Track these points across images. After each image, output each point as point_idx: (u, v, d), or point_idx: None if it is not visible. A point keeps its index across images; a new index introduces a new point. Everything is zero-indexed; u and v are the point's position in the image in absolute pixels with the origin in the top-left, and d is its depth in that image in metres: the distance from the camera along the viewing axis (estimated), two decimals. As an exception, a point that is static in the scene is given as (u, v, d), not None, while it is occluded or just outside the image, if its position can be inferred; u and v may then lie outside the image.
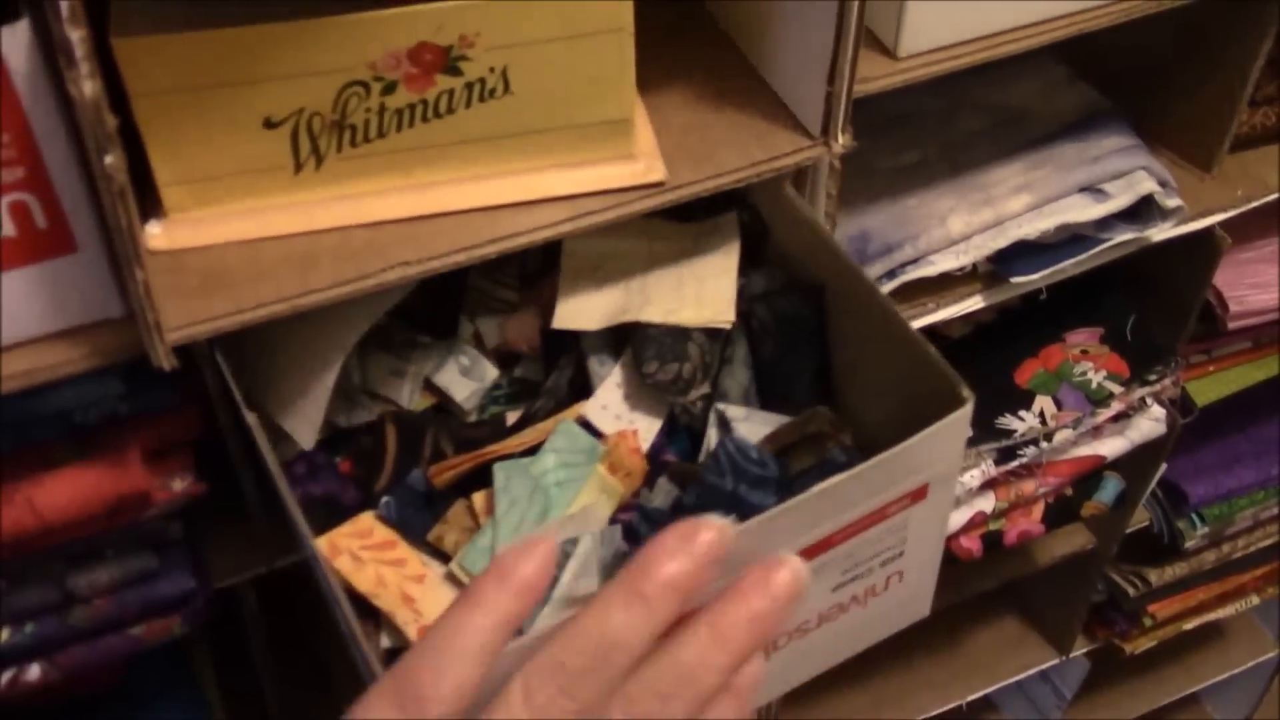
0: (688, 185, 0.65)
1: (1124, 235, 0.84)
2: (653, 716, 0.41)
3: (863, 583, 0.62)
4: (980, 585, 1.10)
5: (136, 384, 0.63)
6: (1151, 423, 0.97)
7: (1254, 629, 1.43)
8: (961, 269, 0.82)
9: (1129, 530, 1.14)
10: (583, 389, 0.71)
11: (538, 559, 0.41)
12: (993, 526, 0.96)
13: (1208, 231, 0.90)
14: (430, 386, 0.73)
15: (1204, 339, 1.01)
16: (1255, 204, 0.90)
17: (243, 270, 0.60)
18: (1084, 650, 1.29)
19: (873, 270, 0.80)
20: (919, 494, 0.59)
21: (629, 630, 0.40)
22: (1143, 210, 0.85)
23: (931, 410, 0.57)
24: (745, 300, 0.71)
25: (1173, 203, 0.84)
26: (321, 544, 0.63)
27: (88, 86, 0.47)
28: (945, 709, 1.25)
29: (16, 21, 0.48)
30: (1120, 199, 0.83)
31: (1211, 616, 1.28)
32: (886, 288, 0.80)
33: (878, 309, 0.65)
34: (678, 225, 0.73)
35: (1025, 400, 0.92)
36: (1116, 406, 0.93)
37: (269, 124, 0.59)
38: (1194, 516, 1.14)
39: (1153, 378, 0.93)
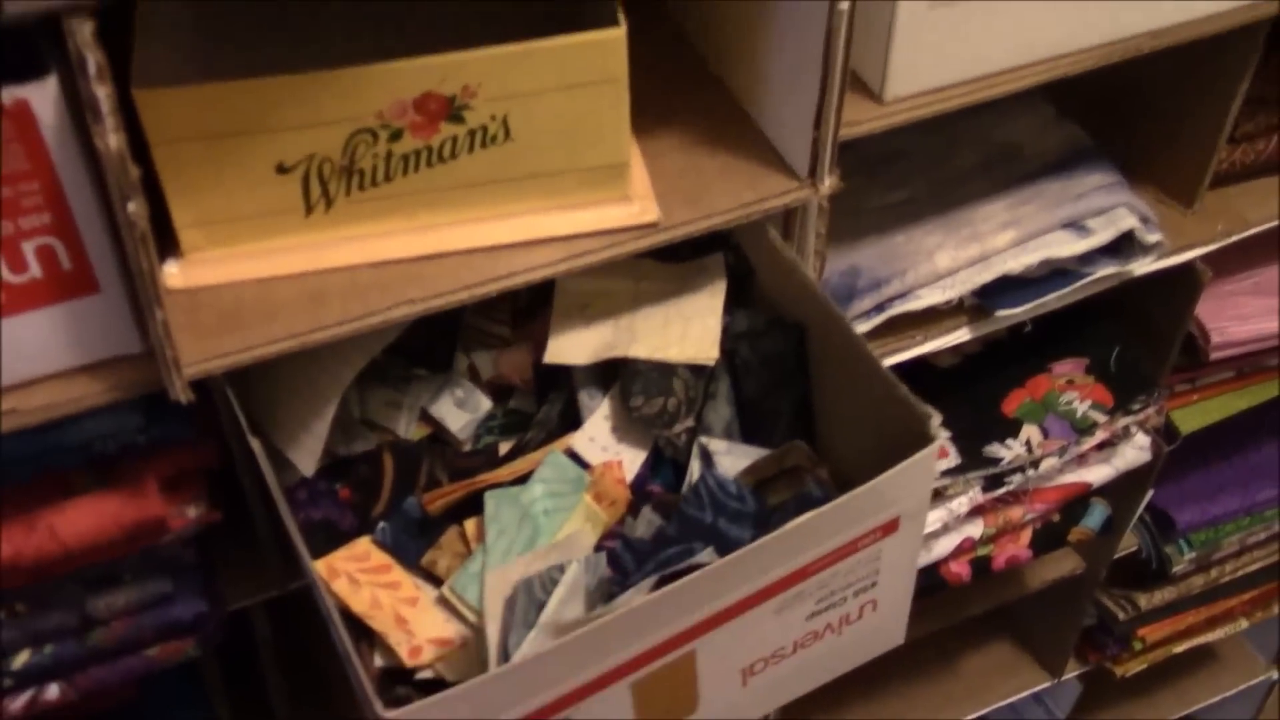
0: (681, 226, 0.67)
1: (1106, 270, 0.87)
2: None
3: (837, 611, 0.65)
4: (971, 610, 1.12)
5: (154, 416, 0.65)
6: (1136, 450, 0.99)
7: (1245, 653, 1.45)
8: (948, 303, 0.84)
9: (1118, 555, 1.16)
10: (573, 421, 0.74)
11: None
12: (981, 552, 0.99)
13: (1189, 265, 0.93)
14: (426, 417, 0.75)
15: (1188, 369, 1.03)
16: (1235, 238, 0.93)
17: (256, 308, 0.63)
18: (1075, 673, 1.31)
19: (862, 304, 0.83)
20: (890, 527, 0.62)
21: None
22: (1124, 245, 0.87)
23: (903, 446, 0.60)
24: (730, 339, 0.74)
25: (1153, 238, 0.87)
26: (320, 566, 0.66)
27: (113, 140, 0.50)
28: (939, 731, 1.27)
29: (45, 78, 0.51)
30: (1102, 235, 0.85)
31: (1201, 640, 1.30)
32: (875, 321, 0.83)
33: (854, 349, 0.68)
34: (665, 265, 0.76)
35: (1012, 429, 0.95)
36: (1101, 435, 0.95)
37: (282, 169, 0.62)
38: (1181, 542, 1.16)
39: (1136, 407, 0.96)
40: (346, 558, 0.68)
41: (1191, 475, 1.16)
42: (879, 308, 0.83)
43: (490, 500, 0.68)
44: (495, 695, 0.54)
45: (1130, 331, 0.99)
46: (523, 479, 0.70)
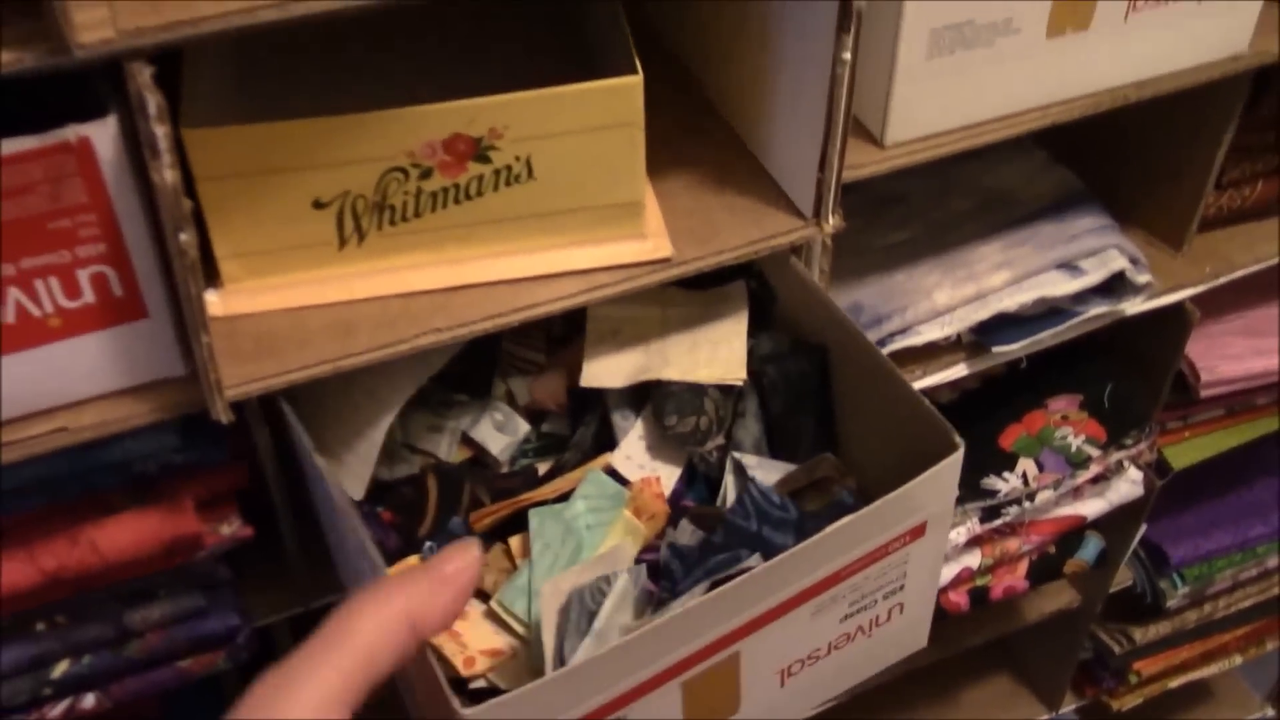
0: (692, 261, 0.71)
1: (1098, 309, 0.91)
2: None
3: (868, 614, 0.68)
4: (969, 641, 1.15)
5: (190, 439, 0.69)
6: (1129, 485, 1.03)
7: (1240, 689, 1.47)
8: (946, 339, 0.88)
9: (1114, 589, 1.19)
10: (607, 442, 0.77)
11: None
12: (979, 582, 1.02)
13: (1178, 305, 0.96)
14: (466, 441, 0.78)
15: (1179, 407, 1.06)
16: (1222, 280, 0.97)
17: (291, 335, 0.66)
18: (1073, 707, 1.33)
19: (864, 339, 0.87)
20: (918, 531, 0.66)
21: None
22: (1115, 285, 0.91)
23: (926, 457, 0.63)
24: (756, 361, 0.77)
25: (1143, 278, 0.91)
26: None
27: (169, 175, 0.54)
28: (940, 763, 1.30)
29: (106, 118, 0.55)
30: (1094, 275, 0.89)
31: (1196, 675, 1.32)
32: (877, 355, 0.87)
33: (876, 367, 0.71)
34: (691, 293, 0.80)
35: (1009, 462, 0.98)
36: (1095, 469, 0.98)
37: (318, 205, 0.66)
38: (1175, 577, 1.19)
39: (1129, 442, 0.99)
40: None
41: (1185, 511, 1.19)
42: (880, 343, 0.87)
43: (535, 517, 0.71)
44: (559, 696, 0.56)
45: (1123, 369, 1.02)
46: (563, 497, 0.73)
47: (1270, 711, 1.46)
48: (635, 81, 0.65)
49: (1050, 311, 0.90)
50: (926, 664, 1.07)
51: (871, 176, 0.76)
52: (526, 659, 0.68)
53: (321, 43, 0.77)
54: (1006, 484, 0.97)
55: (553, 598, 0.65)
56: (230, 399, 0.63)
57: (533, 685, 0.54)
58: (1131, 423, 0.99)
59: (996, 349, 0.88)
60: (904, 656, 0.74)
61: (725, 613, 0.60)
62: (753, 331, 0.78)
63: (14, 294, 0.58)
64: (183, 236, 0.56)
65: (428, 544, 0.72)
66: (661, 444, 0.77)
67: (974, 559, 0.99)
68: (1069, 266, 0.89)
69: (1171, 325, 0.98)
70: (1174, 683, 1.31)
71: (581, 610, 0.65)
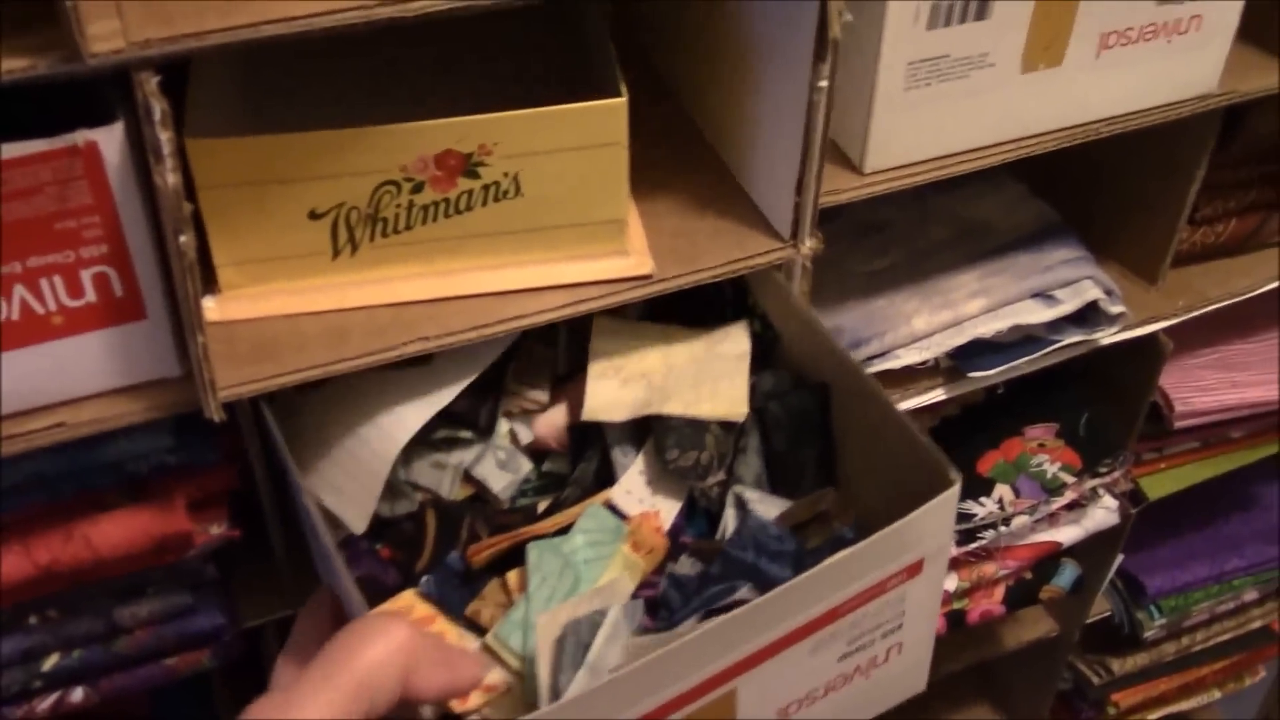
0: (673, 279, 0.74)
1: (1073, 338, 0.93)
2: None
3: (866, 653, 0.67)
4: (948, 667, 1.16)
5: (183, 440, 0.70)
6: (1105, 512, 1.04)
7: (1220, 725, 1.49)
8: (924, 363, 0.90)
9: (1092, 619, 1.21)
10: (608, 479, 0.77)
11: None
12: (956, 605, 1.03)
13: (1152, 337, 0.99)
14: (469, 478, 0.78)
15: (1155, 438, 1.08)
16: (1195, 313, 0.99)
17: (285, 340, 0.68)
18: (1052, 738, 1.34)
19: (843, 362, 0.89)
20: (915, 569, 0.65)
21: None
22: (1090, 315, 0.94)
23: (923, 492, 0.63)
24: (759, 397, 0.78)
25: (1116, 309, 0.93)
26: None
27: (171, 178, 0.57)
28: (919, 792, 1.30)
29: (113, 123, 0.58)
30: (1068, 304, 0.92)
31: (1175, 709, 1.34)
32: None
33: (876, 404, 0.71)
34: (693, 331, 0.80)
35: (986, 488, 1.00)
36: (1070, 495, 1.01)
37: (313, 215, 0.68)
38: (1152, 607, 1.21)
39: (1103, 470, 1.01)
40: (391, 610, 0.70)
41: (1162, 543, 1.21)
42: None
43: (533, 550, 0.70)
44: None
45: (1099, 399, 1.04)
46: (562, 531, 0.73)
47: (1249, 748, 1.47)
48: (620, 103, 0.67)
49: (1026, 339, 0.93)
50: (905, 689, 1.08)
51: (850, 201, 0.78)
52: (521, 694, 0.67)
53: (324, 56, 0.80)
54: (983, 508, 0.99)
55: (548, 630, 0.65)
56: (223, 399, 0.65)
57: (526, 719, 0.54)
58: (1106, 451, 1.02)
59: (973, 374, 0.91)
60: (903, 700, 0.73)
61: (721, 645, 0.59)
62: (756, 370, 0.79)
63: (19, 291, 0.60)
64: (182, 238, 0.59)
65: (424, 578, 0.71)
66: (662, 479, 0.77)
67: (951, 582, 1.01)
68: (1044, 296, 0.92)
69: (1145, 356, 1.01)
70: (1152, 716, 1.33)
71: (577, 643, 0.64)
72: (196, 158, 0.64)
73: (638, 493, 0.76)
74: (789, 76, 0.70)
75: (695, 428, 0.75)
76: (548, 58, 0.84)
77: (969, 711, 1.36)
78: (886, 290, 0.93)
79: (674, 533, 0.76)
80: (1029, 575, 1.05)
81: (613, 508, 0.75)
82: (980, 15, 0.75)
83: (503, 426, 0.79)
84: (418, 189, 0.68)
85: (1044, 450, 1.02)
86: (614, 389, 0.77)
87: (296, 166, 0.66)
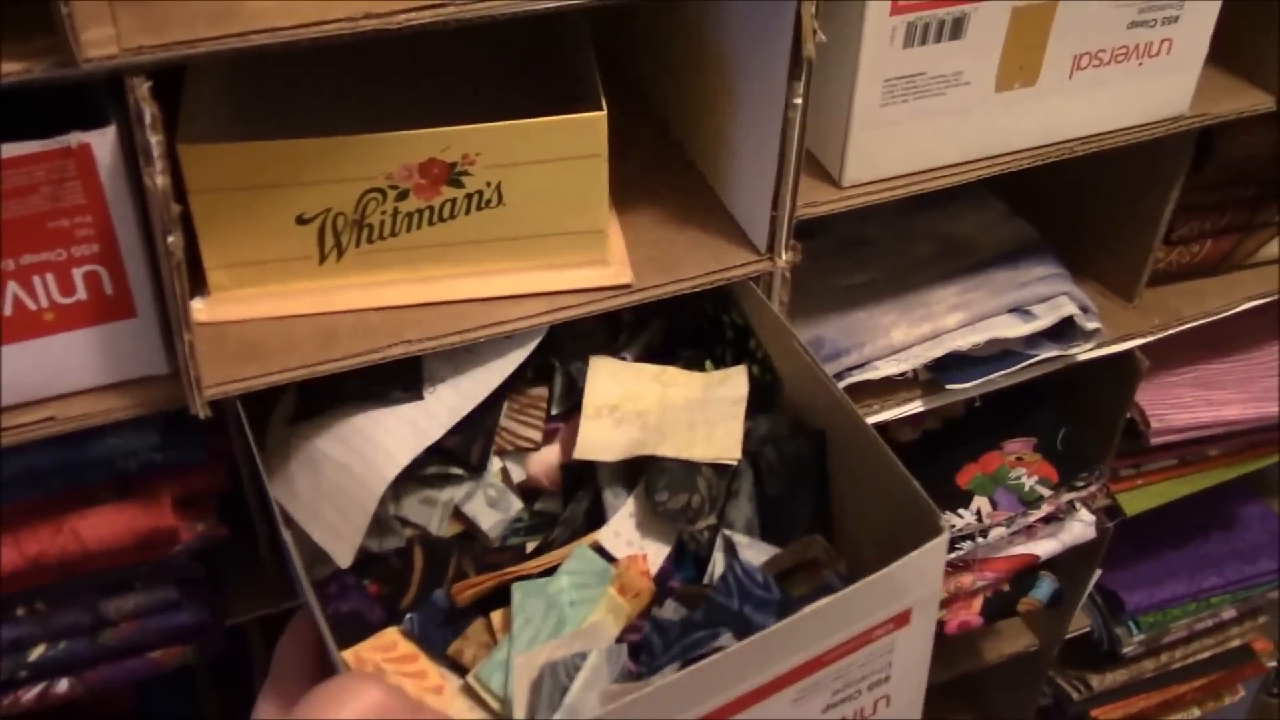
0: (652, 289, 0.75)
1: (1049, 352, 0.95)
2: None
3: (852, 705, 0.65)
4: (929, 680, 1.17)
5: (170, 439, 0.72)
6: (1081, 526, 1.06)
7: (1202, 743, 1.49)
8: (902, 375, 0.92)
9: (1071, 635, 1.22)
10: (598, 520, 0.77)
11: None
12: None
13: (1129, 354, 1.01)
14: (458, 515, 0.78)
15: (1133, 454, 1.10)
16: (1171, 331, 1.01)
17: (272, 342, 0.70)
18: (1033, 753, 1.35)
19: (824, 372, 0.91)
20: (902, 619, 0.64)
21: None
22: (1066, 331, 0.95)
23: (914, 541, 0.62)
24: (755, 441, 0.77)
25: (1092, 325, 0.95)
26: (348, 656, 0.68)
27: (160, 180, 0.59)
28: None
29: (106, 126, 0.60)
30: (1044, 319, 0.93)
31: (1155, 725, 1.35)
32: (836, 388, 0.91)
33: (872, 450, 0.70)
34: (691, 374, 0.81)
35: (964, 500, 1.02)
36: (1046, 508, 1.02)
37: (301, 221, 0.70)
38: (1130, 623, 1.22)
39: (1079, 484, 1.03)
40: (373, 648, 0.70)
41: (1140, 559, 1.23)
42: (839, 376, 0.91)
43: (518, 590, 0.70)
44: None
45: (1076, 415, 1.06)
46: (549, 572, 0.73)
47: (1230, 766, 1.48)
48: (600, 116, 0.69)
49: (1003, 353, 0.94)
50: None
51: (829, 214, 0.80)
52: None
53: (315, 64, 0.82)
54: (961, 520, 1.00)
55: (524, 671, 0.65)
56: (210, 398, 0.67)
57: None
58: (1083, 466, 1.03)
59: (950, 386, 0.92)
60: None
61: (699, 692, 0.58)
62: (753, 415, 0.78)
63: (12, 288, 0.62)
64: (170, 238, 0.61)
65: (409, 616, 0.71)
66: (651, 522, 0.76)
67: (928, 593, 1.02)
68: (1021, 311, 0.94)
69: (1122, 373, 1.02)
70: (1133, 733, 1.34)
71: (555, 685, 0.64)
72: (188, 162, 0.66)
73: (626, 535, 0.76)
74: (765, 94, 0.72)
75: (687, 470, 0.75)
76: (532, 71, 0.86)
77: (950, 726, 1.37)
78: (867, 303, 0.95)
79: (662, 577, 0.75)
80: (1007, 588, 1.07)
81: (601, 550, 0.75)
82: (955, 34, 0.77)
83: (495, 464, 0.79)
84: (402, 196, 0.70)
85: (1022, 464, 1.04)
86: (608, 429, 0.77)
87: (285, 172, 0.68)
